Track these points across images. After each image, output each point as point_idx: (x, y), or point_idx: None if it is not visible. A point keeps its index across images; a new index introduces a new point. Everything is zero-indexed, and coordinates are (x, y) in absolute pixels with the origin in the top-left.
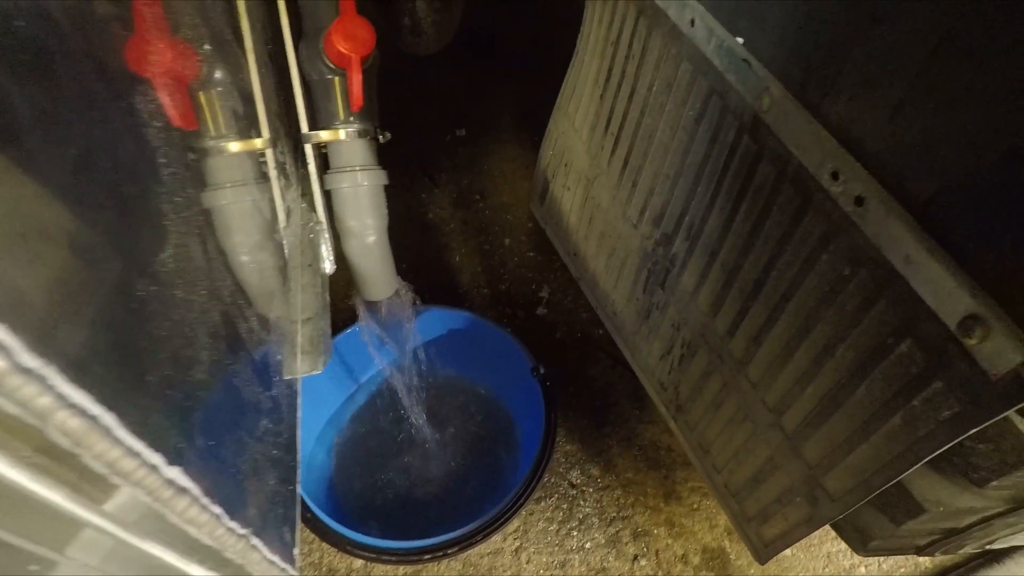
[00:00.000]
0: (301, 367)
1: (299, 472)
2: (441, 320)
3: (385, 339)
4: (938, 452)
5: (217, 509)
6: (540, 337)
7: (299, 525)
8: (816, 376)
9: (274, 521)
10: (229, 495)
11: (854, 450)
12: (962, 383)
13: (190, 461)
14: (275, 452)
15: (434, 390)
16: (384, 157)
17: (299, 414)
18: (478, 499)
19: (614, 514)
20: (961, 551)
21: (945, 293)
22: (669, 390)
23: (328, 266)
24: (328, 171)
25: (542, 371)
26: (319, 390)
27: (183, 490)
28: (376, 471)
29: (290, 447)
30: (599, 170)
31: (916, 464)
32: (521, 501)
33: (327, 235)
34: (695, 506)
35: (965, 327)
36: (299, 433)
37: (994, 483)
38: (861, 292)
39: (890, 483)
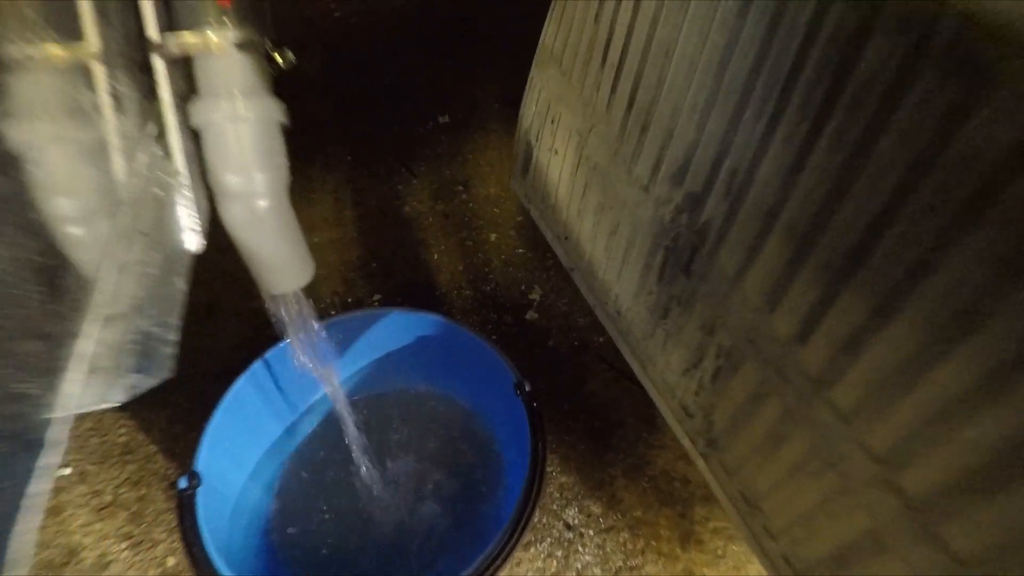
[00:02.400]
0: (83, 395)
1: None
2: (407, 325)
3: (308, 355)
4: None
5: None
6: (530, 345)
7: None
8: (964, 422)
9: None
10: None
11: None
12: None
13: None
14: None
15: (401, 411)
16: (357, 145)
17: (27, 487)
18: (455, 546)
19: (620, 563)
20: None
21: None
22: (697, 417)
23: (191, 239)
24: (194, 99)
25: (528, 388)
26: (253, 415)
27: None
28: (327, 511)
29: None
30: (595, 119)
31: None
32: (498, 561)
33: (190, 193)
34: (719, 552)
35: None
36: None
37: None
38: None
39: None
